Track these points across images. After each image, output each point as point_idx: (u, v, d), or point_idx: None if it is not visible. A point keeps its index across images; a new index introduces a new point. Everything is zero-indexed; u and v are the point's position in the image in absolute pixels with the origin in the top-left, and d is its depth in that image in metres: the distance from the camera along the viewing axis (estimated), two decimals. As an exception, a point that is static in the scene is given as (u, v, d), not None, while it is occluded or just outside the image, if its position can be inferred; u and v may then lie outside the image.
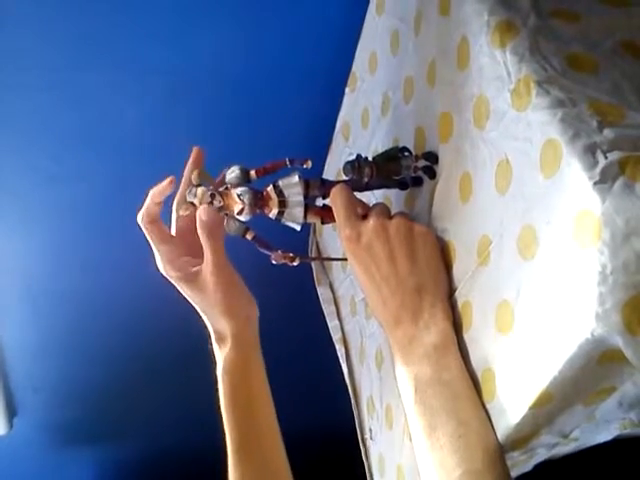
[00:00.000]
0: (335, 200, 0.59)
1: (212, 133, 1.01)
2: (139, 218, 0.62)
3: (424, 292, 0.55)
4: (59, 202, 1.01)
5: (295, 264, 0.62)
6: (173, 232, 0.64)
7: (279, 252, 0.61)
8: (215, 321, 0.62)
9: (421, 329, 0.54)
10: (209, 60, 0.93)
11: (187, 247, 0.62)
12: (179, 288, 0.62)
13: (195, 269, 0.61)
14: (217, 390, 0.64)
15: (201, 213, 0.58)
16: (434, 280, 0.56)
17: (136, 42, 0.90)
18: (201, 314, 0.63)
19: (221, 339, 0.62)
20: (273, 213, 0.60)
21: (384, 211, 0.60)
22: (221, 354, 0.62)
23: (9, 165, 0.95)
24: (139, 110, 0.95)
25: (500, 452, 0.49)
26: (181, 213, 0.60)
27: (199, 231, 0.59)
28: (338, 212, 0.59)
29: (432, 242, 0.57)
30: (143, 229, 0.62)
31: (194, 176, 0.59)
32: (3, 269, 1.06)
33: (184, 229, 0.63)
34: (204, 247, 0.60)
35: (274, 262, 0.61)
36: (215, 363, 0.64)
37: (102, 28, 0.87)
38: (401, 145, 0.66)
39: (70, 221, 1.04)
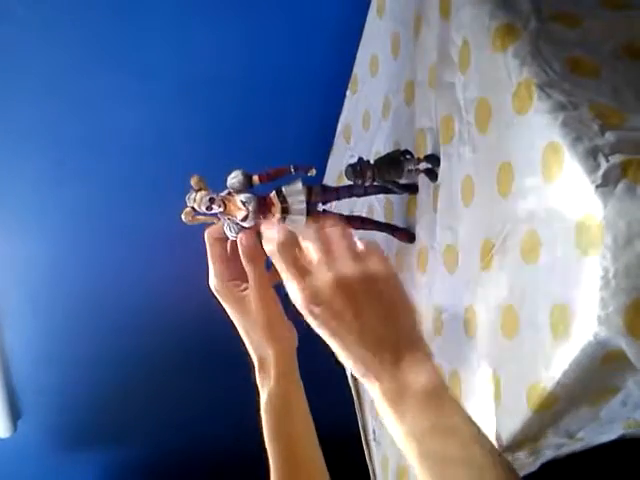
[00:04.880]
0: (274, 257, 0.53)
1: (214, 135, 1.01)
2: (207, 233, 0.62)
3: (399, 338, 0.50)
4: (62, 206, 1.01)
5: None
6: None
7: None
8: (257, 346, 0.61)
9: (406, 376, 0.48)
10: (210, 64, 0.93)
11: (239, 270, 0.61)
12: (226, 307, 0.62)
13: (241, 293, 0.61)
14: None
15: (241, 238, 0.59)
16: (405, 323, 0.51)
17: (138, 46, 0.90)
18: (245, 340, 0.62)
19: (263, 368, 0.61)
20: (275, 219, 0.60)
21: (331, 248, 0.52)
22: (265, 388, 0.60)
23: (11, 169, 0.95)
24: (141, 114, 0.96)
25: None
26: (183, 219, 0.59)
27: (241, 256, 0.59)
28: (281, 270, 0.52)
29: (394, 285, 0.52)
30: (207, 244, 0.62)
31: (194, 181, 0.58)
32: (6, 274, 1.06)
33: (236, 253, 0.62)
34: (247, 272, 0.60)
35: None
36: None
37: (104, 32, 0.88)
38: (403, 148, 0.66)
39: (73, 225, 1.04)
